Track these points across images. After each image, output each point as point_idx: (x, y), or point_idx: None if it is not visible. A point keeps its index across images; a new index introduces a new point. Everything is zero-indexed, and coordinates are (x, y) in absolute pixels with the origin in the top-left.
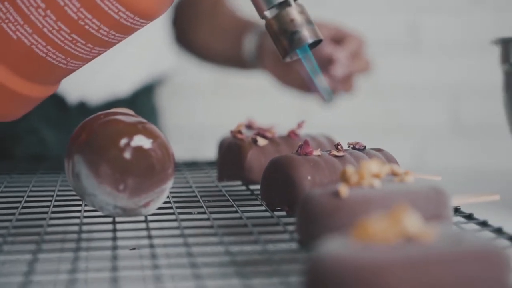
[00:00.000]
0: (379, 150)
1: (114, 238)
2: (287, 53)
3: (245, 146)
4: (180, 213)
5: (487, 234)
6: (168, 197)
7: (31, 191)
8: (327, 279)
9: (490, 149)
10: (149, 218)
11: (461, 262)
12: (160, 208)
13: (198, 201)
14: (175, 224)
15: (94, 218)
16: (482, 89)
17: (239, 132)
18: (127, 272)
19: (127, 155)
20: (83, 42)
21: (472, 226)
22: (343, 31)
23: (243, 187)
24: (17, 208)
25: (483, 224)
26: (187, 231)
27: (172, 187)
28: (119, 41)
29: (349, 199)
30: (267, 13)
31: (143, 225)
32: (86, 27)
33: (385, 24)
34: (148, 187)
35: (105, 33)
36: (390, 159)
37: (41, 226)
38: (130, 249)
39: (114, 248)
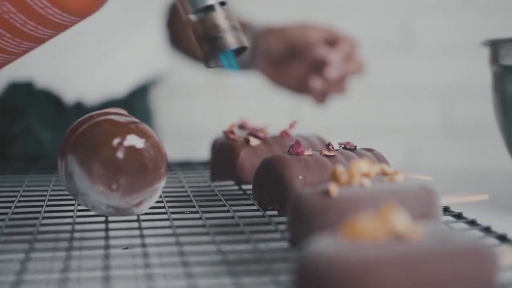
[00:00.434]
0: (369, 150)
1: (107, 237)
2: (208, 59)
3: (237, 146)
4: (172, 213)
5: (476, 233)
6: (160, 196)
7: (24, 190)
8: (317, 278)
9: (481, 149)
10: (142, 217)
11: (450, 260)
12: (152, 207)
13: (191, 201)
14: (167, 223)
15: (86, 218)
16: (474, 89)
17: (232, 132)
18: (119, 271)
19: (120, 154)
20: (10, 36)
21: (461, 225)
22: (336, 33)
23: (236, 187)
24: (10, 207)
25: (472, 223)
26: (179, 230)
27: (165, 187)
28: (51, 36)
29: (339, 198)
30: (192, 17)
31: (135, 224)
32: (12, 21)
33: (378, 26)
34: (140, 187)
35: (33, 28)
36: (380, 159)
37: (34, 225)
38: (123, 248)
39: (107, 247)
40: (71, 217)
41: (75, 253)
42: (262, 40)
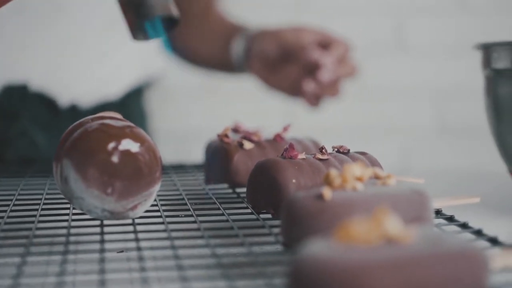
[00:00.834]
0: (363, 153)
1: (102, 241)
2: (134, 29)
3: (231, 150)
4: (167, 216)
5: (467, 235)
6: (155, 200)
7: (19, 194)
8: (310, 281)
9: (473, 151)
10: (137, 221)
11: (441, 263)
12: (147, 211)
13: (185, 204)
14: (162, 227)
15: (82, 221)
16: (467, 91)
17: (226, 135)
18: (115, 275)
19: (115, 158)
20: None
21: (452, 228)
22: (329, 36)
23: (230, 190)
24: (5, 211)
25: (464, 226)
26: (174, 234)
27: (160, 190)
28: None
29: (332, 202)
30: None
31: (130, 228)
32: None
33: (372, 27)
34: (135, 191)
35: None
36: (373, 163)
37: (29, 229)
38: (118, 252)
39: (102, 251)
40: (67, 220)
41: (70, 256)
42: (256, 43)
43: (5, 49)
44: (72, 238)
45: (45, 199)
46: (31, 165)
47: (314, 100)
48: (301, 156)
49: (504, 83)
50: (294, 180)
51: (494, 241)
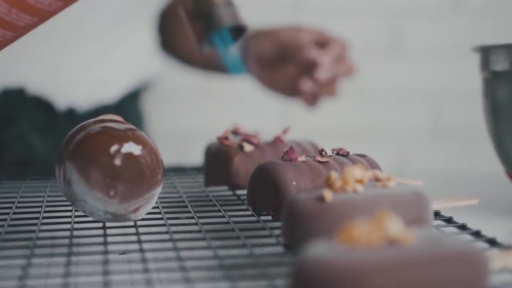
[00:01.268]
0: (362, 156)
1: (105, 243)
2: (201, 39)
3: (231, 152)
4: (168, 218)
5: (466, 237)
6: (156, 202)
7: (21, 197)
8: (312, 282)
9: (471, 153)
10: (139, 223)
11: (441, 264)
12: (149, 213)
13: (186, 206)
14: (164, 229)
15: (84, 223)
16: (463, 93)
17: (226, 138)
18: (117, 276)
19: (118, 161)
20: None
21: (451, 229)
22: (326, 35)
23: (230, 192)
24: (8, 213)
25: (462, 227)
26: (175, 236)
27: (160, 193)
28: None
29: (333, 204)
30: None
31: (133, 230)
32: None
33: (368, 29)
34: (137, 193)
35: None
36: (373, 165)
37: (32, 231)
38: (120, 254)
39: (105, 252)
40: (69, 223)
41: (73, 258)
42: (253, 42)
43: (2, 53)
44: (75, 240)
45: (47, 201)
46: (28, 168)
47: (312, 99)
48: (301, 158)
49: (503, 85)
50: (294, 183)
51: (492, 242)
